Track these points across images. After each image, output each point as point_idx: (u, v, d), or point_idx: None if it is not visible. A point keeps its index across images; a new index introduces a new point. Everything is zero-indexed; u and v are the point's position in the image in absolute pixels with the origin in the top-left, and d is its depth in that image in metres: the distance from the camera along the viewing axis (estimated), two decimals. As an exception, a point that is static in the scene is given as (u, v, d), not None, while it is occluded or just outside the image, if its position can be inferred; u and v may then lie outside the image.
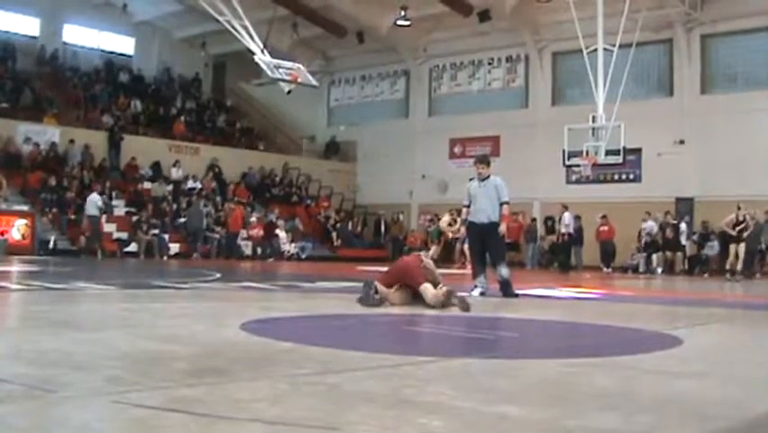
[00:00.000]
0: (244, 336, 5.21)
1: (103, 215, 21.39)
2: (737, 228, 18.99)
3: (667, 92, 25.06)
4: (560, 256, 23.23)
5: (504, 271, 9.75)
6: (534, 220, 25.37)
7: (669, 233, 22.42)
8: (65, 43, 30.18)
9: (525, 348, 5.58)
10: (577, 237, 23.06)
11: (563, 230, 22.44)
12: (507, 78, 28.45)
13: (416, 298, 7.65)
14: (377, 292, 7.55)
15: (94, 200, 21.04)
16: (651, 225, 22.96)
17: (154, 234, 22.60)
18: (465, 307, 7.22)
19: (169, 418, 2.82)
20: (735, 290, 15.20)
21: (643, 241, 23.02)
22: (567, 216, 22.43)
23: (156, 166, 26.50)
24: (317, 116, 33.33)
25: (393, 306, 7.60)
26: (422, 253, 8.41)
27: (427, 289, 7.52)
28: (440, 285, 7.71)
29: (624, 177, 24.77)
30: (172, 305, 7.81)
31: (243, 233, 25.04)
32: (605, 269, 22.60)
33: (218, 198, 26.38)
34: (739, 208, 19.06)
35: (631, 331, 6.57)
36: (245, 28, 18.11)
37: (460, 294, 7.61)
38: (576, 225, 22.92)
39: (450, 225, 21.09)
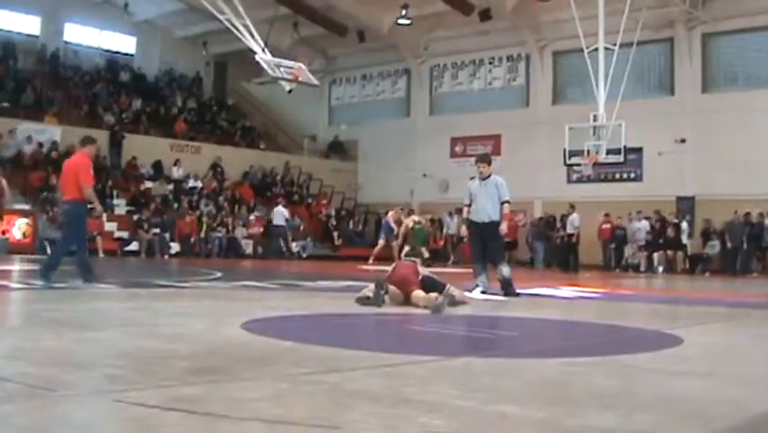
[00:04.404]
0: (245, 335, 5.22)
1: (287, 224, 24.65)
2: None
3: (668, 91, 25.03)
4: (562, 256, 23.05)
5: (505, 270, 9.75)
6: (540, 219, 25.24)
7: (670, 232, 22.41)
8: (66, 42, 30.17)
9: (525, 347, 5.58)
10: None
11: (571, 231, 22.32)
12: (507, 78, 28.42)
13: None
14: (387, 292, 7.62)
15: (281, 212, 24.38)
16: (645, 225, 22.98)
17: (155, 234, 22.62)
18: (436, 308, 7.18)
19: (169, 417, 2.82)
20: (735, 289, 15.17)
21: (644, 240, 23.00)
22: (576, 218, 22.31)
23: (157, 165, 26.51)
24: (318, 115, 33.33)
25: (393, 303, 7.65)
26: (417, 261, 8.41)
27: (417, 295, 7.63)
28: (447, 286, 7.84)
29: (625, 176, 24.74)
30: (173, 304, 7.82)
31: (244, 231, 25.10)
32: (616, 270, 22.57)
33: (220, 198, 26.38)
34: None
35: (631, 330, 6.57)
36: (246, 27, 18.11)
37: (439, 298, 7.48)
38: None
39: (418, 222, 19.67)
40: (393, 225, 20.53)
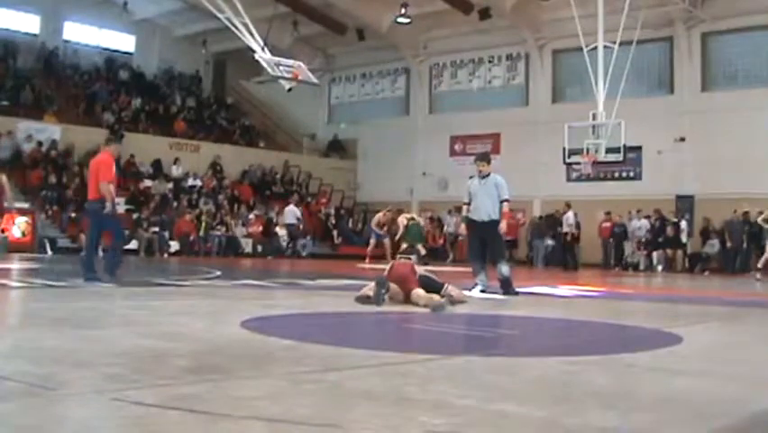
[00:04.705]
0: (245, 333, 5.22)
1: (298, 222, 24.80)
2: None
3: (667, 90, 25.03)
4: (561, 255, 23.04)
5: (504, 268, 9.73)
6: (541, 218, 25.22)
7: (669, 230, 22.40)
8: (65, 41, 30.14)
9: (525, 346, 5.58)
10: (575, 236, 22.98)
11: (567, 229, 22.33)
12: (507, 76, 28.41)
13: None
14: (388, 291, 7.60)
15: (293, 211, 24.52)
16: (644, 223, 22.97)
17: (154, 232, 22.61)
18: (436, 307, 7.20)
19: (168, 415, 2.82)
20: (734, 288, 15.16)
21: (643, 238, 23.01)
22: (571, 216, 22.32)
23: (156, 164, 26.50)
24: (318, 114, 33.32)
25: (393, 302, 7.65)
26: (413, 260, 8.39)
27: (418, 294, 7.64)
28: (445, 286, 7.86)
29: (624, 175, 24.74)
30: (173, 302, 7.82)
31: (244, 230, 25.11)
32: (615, 268, 22.57)
33: (220, 197, 26.39)
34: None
35: (631, 329, 6.57)
36: (246, 25, 18.09)
37: (438, 298, 7.54)
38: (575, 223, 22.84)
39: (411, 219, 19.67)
40: (375, 228, 20.62)
